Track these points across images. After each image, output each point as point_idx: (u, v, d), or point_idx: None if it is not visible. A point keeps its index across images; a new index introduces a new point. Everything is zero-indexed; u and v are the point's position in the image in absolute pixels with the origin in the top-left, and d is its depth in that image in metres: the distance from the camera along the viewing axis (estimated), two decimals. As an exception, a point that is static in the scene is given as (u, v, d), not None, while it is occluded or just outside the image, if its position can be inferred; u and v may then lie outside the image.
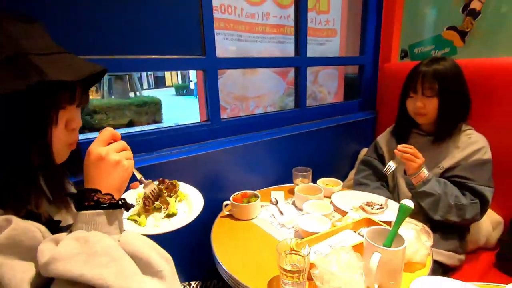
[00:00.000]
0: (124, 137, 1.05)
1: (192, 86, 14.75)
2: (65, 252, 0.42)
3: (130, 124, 7.32)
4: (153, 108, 8.03)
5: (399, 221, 0.74)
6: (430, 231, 0.85)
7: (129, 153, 0.56)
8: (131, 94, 10.29)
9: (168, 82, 21.06)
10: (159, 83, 20.83)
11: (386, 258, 0.69)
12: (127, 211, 0.53)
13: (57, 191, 0.57)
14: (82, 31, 0.92)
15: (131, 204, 0.54)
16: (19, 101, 0.47)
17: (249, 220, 1.07)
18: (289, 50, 1.71)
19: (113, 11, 0.96)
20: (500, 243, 1.26)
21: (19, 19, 0.52)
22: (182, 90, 16.03)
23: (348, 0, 1.94)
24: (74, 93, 0.55)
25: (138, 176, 0.66)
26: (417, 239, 0.80)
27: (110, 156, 0.52)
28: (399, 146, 1.09)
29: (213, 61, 1.20)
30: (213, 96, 1.24)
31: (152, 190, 0.75)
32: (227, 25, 1.47)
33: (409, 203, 0.74)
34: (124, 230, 0.54)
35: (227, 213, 1.10)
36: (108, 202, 0.50)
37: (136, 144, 1.08)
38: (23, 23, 0.52)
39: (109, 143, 0.54)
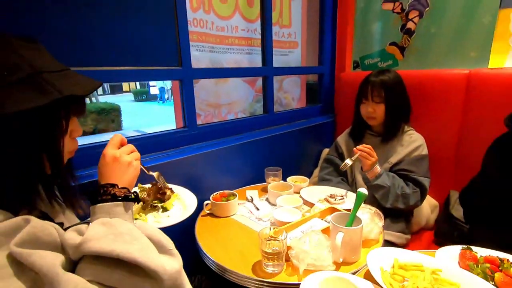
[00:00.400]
0: (103, 146, 1.11)
1: (152, 91, 14.29)
2: (96, 233, 0.50)
3: (95, 132, 6.94)
4: (112, 115, 7.68)
5: (357, 205, 0.90)
6: (381, 213, 1.03)
7: (137, 154, 0.65)
8: (86, 100, 9.71)
9: (125, 88, 20.13)
10: (116, 88, 19.80)
11: (348, 236, 0.84)
12: (138, 203, 0.61)
13: (67, 193, 0.63)
14: (63, 43, 0.95)
15: (141, 198, 0.62)
16: (36, 114, 0.53)
17: (228, 216, 1.17)
18: (256, 61, 1.85)
19: (96, 24, 1.01)
20: (436, 223, 1.51)
21: (25, 40, 0.58)
22: (141, 95, 15.47)
23: (307, 15, 2.15)
24: (79, 106, 0.62)
25: (145, 170, 0.73)
26: (371, 220, 0.97)
27: (123, 157, 0.61)
28: (358, 146, 1.26)
29: (189, 72, 1.29)
30: (189, 104, 1.33)
31: (159, 175, 0.83)
32: (200, 37, 1.57)
33: (364, 191, 0.91)
34: None
35: (208, 212, 1.19)
36: (123, 195, 0.58)
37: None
38: (29, 43, 0.58)
39: (119, 147, 0.62)
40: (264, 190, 1.42)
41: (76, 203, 0.66)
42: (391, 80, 1.34)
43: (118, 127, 7.90)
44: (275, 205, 1.21)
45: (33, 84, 0.52)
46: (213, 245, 1.00)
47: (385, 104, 1.33)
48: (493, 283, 0.71)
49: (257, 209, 1.22)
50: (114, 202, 0.57)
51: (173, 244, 0.59)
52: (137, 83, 19.02)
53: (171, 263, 0.52)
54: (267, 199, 1.31)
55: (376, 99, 1.33)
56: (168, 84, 12.59)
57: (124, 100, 14.27)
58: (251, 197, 1.32)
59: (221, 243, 1.01)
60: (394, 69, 1.42)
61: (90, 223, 0.54)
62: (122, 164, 0.60)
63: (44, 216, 0.59)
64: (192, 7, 1.51)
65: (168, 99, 12.91)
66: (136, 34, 1.12)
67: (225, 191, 1.24)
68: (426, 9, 1.61)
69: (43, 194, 0.61)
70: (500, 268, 0.74)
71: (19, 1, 0.85)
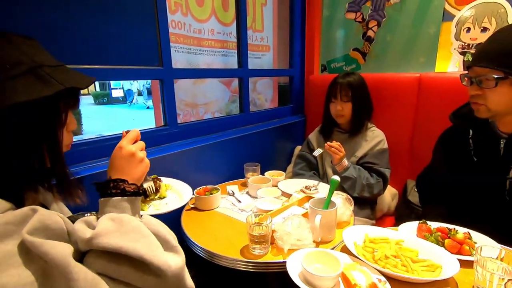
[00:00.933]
0: (85, 143, 1.12)
1: (114, 94, 13.62)
2: (105, 229, 0.52)
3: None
4: (72, 119, 7.21)
5: (331, 191, 1.02)
6: (351, 199, 1.16)
7: (145, 152, 0.68)
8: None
9: (83, 90, 18.91)
10: (73, 91, 18.48)
11: (325, 218, 0.95)
12: (146, 198, 0.64)
13: (67, 184, 0.64)
14: (43, 41, 0.95)
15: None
16: (38, 105, 0.54)
17: (212, 209, 1.23)
18: (231, 63, 1.93)
19: (78, 23, 1.02)
20: (396, 209, 1.69)
21: (24, 37, 0.60)
22: (102, 98, 14.68)
23: (277, 22, 2.28)
24: (75, 99, 0.65)
25: None
26: (343, 204, 1.09)
27: (138, 153, 0.64)
28: (328, 143, 1.40)
29: (169, 72, 1.33)
30: (170, 103, 1.37)
31: (149, 187, 0.85)
32: (178, 39, 1.61)
33: (337, 178, 1.03)
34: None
35: (192, 206, 1.24)
36: (132, 190, 0.60)
37: (99, 149, 1.13)
38: (27, 40, 0.60)
39: (133, 143, 0.65)
40: (244, 185, 1.49)
41: (75, 194, 0.68)
42: (356, 82, 1.50)
43: (78, 131, 7.45)
44: (255, 198, 1.29)
45: (36, 76, 0.54)
46: (200, 235, 1.04)
47: (352, 103, 1.49)
48: (444, 247, 0.86)
49: (239, 201, 1.29)
50: (123, 197, 0.59)
51: (176, 239, 0.61)
52: (97, 86, 18.02)
53: (175, 260, 0.54)
54: (247, 193, 1.39)
55: (344, 98, 1.48)
56: (135, 86, 12.12)
57: (83, 104, 13.37)
58: (232, 191, 1.39)
59: (207, 233, 1.06)
60: (358, 72, 1.59)
61: (100, 217, 0.56)
62: (137, 159, 0.63)
63: (42, 207, 0.61)
64: (171, 10, 1.54)
65: (134, 102, 12.40)
66: (117, 34, 1.14)
67: (207, 186, 1.29)
68: (383, 19, 1.81)
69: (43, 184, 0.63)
70: (448, 236, 0.89)
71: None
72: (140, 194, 0.63)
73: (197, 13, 1.68)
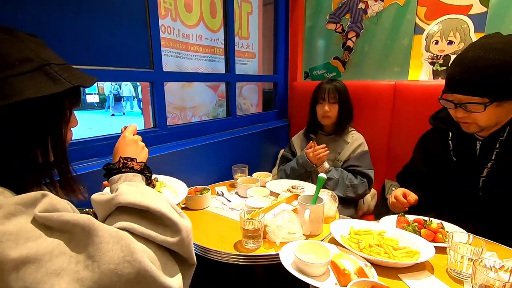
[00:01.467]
0: (78, 143, 1.13)
1: (89, 99, 13.12)
2: (126, 190, 0.57)
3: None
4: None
5: (318, 188, 1.08)
6: (336, 196, 1.23)
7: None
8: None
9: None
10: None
11: (314, 212, 1.01)
12: (151, 176, 0.70)
13: (69, 180, 0.66)
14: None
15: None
16: (45, 102, 0.56)
17: (203, 209, 1.25)
18: (218, 67, 1.98)
19: (75, 24, 1.03)
20: (375, 208, 1.80)
21: (30, 34, 0.62)
22: (76, 104, 14.04)
23: (262, 30, 2.37)
24: (78, 98, 0.67)
25: None
26: (330, 200, 1.16)
27: (139, 142, 0.74)
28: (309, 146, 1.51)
29: (160, 74, 1.36)
30: (160, 105, 1.39)
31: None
32: (167, 43, 1.64)
33: (323, 175, 1.10)
34: None
35: (183, 206, 1.25)
36: (139, 168, 0.68)
37: (91, 149, 1.13)
38: (33, 37, 0.62)
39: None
40: (232, 186, 1.53)
41: (77, 190, 0.70)
42: (341, 87, 1.61)
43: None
44: (245, 198, 1.33)
45: (45, 74, 0.56)
46: (192, 232, 1.06)
47: (339, 105, 1.59)
48: (420, 236, 0.94)
49: (229, 201, 1.33)
50: (134, 173, 0.66)
51: None
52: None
53: (186, 221, 0.60)
54: (236, 193, 1.42)
55: (332, 100, 1.58)
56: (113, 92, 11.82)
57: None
58: (221, 191, 1.42)
59: (200, 230, 1.09)
60: (340, 79, 1.69)
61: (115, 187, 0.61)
62: (139, 146, 0.73)
63: None
64: (161, 14, 1.57)
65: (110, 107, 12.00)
66: (110, 37, 1.16)
67: (198, 186, 1.32)
68: (361, 31, 1.94)
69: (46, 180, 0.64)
70: (424, 226, 0.98)
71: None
72: (146, 175, 0.69)
73: (186, 18, 1.72)
